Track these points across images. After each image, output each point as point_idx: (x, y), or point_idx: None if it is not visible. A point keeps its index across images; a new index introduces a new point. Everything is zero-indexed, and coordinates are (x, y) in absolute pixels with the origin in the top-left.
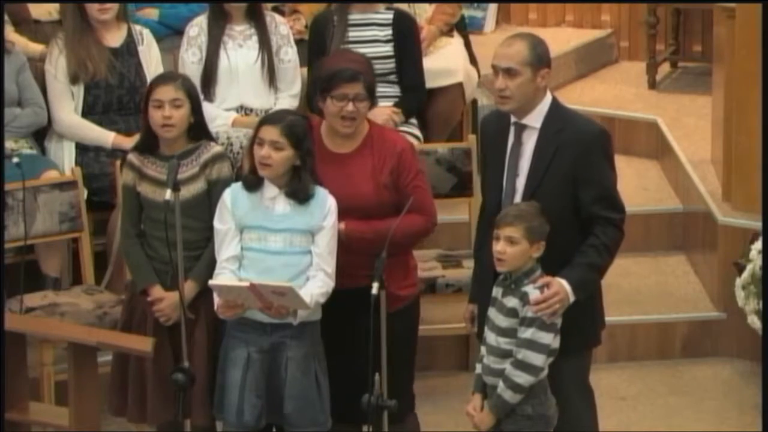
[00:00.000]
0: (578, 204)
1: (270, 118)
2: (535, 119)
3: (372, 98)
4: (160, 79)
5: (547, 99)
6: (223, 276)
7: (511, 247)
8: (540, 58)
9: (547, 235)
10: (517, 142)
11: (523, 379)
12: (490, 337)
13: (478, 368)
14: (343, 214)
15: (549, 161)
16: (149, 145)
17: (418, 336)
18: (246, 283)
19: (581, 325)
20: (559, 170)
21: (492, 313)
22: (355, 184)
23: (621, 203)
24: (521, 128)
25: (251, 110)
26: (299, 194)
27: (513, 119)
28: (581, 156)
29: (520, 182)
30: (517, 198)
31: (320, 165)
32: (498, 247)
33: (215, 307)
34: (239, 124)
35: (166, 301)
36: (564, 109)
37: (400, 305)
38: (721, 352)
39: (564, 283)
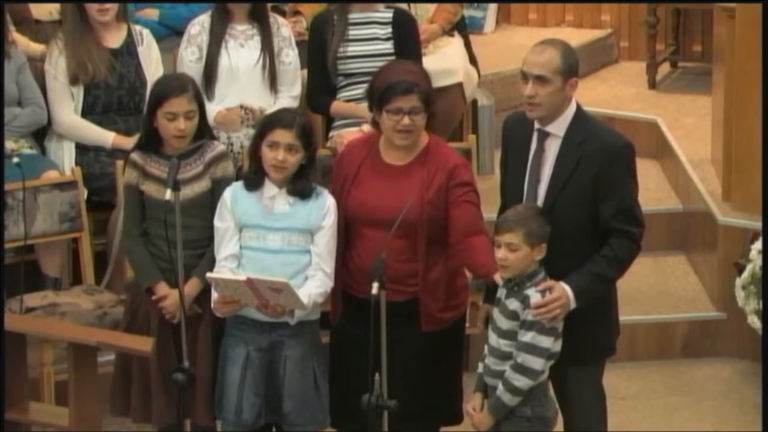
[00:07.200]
0: (597, 214)
1: (281, 120)
2: (558, 127)
3: (428, 108)
4: (173, 91)
5: (572, 107)
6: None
7: (512, 253)
8: (571, 67)
9: (564, 244)
10: (539, 148)
11: (521, 382)
12: (492, 338)
13: (480, 368)
14: (385, 226)
15: (571, 171)
16: (152, 144)
17: (461, 358)
18: (243, 277)
19: (597, 335)
20: (581, 181)
21: (495, 313)
22: (401, 197)
23: (640, 217)
24: (544, 135)
25: (251, 110)
26: (305, 190)
27: (536, 125)
28: (604, 168)
29: (542, 189)
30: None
31: (372, 175)
32: (499, 254)
33: (212, 304)
34: (221, 117)
35: (171, 298)
36: (588, 118)
37: (439, 327)
38: (721, 352)
39: (567, 288)
